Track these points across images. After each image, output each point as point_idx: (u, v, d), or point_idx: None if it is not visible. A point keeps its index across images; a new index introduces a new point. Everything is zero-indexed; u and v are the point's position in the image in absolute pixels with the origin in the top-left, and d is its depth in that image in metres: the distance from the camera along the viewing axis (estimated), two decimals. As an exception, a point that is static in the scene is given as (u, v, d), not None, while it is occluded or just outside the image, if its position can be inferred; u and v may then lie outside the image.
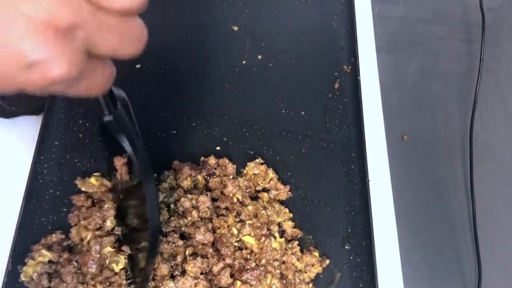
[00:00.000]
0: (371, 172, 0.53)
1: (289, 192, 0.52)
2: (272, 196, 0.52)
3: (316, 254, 0.49)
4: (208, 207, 0.49)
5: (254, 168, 0.53)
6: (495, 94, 0.64)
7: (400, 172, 0.56)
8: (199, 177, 0.52)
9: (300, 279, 0.47)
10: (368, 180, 0.53)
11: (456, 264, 0.53)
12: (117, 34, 0.25)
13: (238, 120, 0.56)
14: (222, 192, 0.51)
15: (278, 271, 0.47)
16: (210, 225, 0.48)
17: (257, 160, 0.54)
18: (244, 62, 0.61)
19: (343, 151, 0.55)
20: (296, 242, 0.49)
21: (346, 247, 0.50)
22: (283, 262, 0.48)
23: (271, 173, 0.53)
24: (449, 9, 0.71)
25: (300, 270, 0.48)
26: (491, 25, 0.67)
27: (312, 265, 0.48)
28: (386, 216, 0.52)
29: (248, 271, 0.46)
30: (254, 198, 0.52)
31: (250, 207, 0.50)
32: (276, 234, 0.49)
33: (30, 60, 0.21)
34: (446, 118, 0.62)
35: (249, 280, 0.46)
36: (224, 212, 0.50)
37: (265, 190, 0.52)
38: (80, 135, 0.54)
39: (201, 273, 0.46)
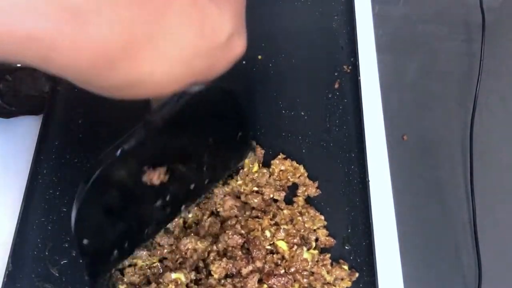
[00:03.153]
0: (371, 172, 0.53)
1: (318, 189, 0.52)
2: (300, 192, 0.52)
3: (346, 267, 0.48)
4: (235, 205, 0.49)
5: (279, 164, 0.53)
6: (495, 94, 0.64)
7: (400, 172, 0.56)
8: None
9: None
10: (368, 180, 0.53)
11: (456, 264, 0.53)
12: None
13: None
14: (256, 191, 0.51)
15: (306, 280, 0.46)
16: (239, 226, 0.48)
17: (279, 156, 0.53)
18: (244, 62, 0.61)
19: (343, 151, 0.55)
20: (328, 255, 0.48)
21: (346, 247, 0.50)
22: (313, 273, 0.47)
23: (302, 169, 0.53)
24: (449, 9, 0.71)
25: (328, 283, 0.47)
26: (491, 25, 0.66)
27: (342, 279, 0.47)
28: (386, 216, 0.52)
29: (276, 276, 0.45)
30: (289, 202, 0.52)
31: (285, 211, 0.50)
32: (313, 243, 0.49)
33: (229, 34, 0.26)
34: (446, 118, 0.62)
35: (275, 286, 0.45)
36: (259, 214, 0.50)
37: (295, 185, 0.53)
38: (80, 135, 0.54)
39: (226, 275, 0.46)
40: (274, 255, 0.47)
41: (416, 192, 0.57)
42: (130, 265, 0.47)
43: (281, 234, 0.48)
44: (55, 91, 0.57)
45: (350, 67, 0.61)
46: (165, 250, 0.47)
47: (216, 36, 0.25)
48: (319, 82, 0.60)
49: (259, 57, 0.61)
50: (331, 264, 0.48)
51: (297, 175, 0.52)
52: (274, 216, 0.50)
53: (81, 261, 0.43)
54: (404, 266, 0.50)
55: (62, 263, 0.48)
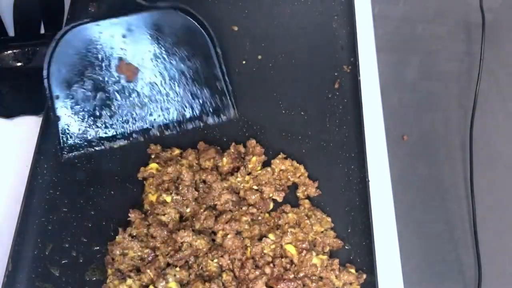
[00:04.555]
0: (371, 172, 0.53)
1: (318, 189, 0.52)
2: (300, 192, 0.52)
3: (353, 270, 0.48)
4: (231, 200, 0.50)
5: (280, 164, 0.53)
6: (495, 94, 0.64)
7: (400, 172, 0.56)
8: (224, 160, 0.52)
9: None
10: (368, 180, 0.53)
11: (456, 264, 0.53)
12: None
13: (238, 120, 0.56)
14: (256, 189, 0.51)
15: (314, 285, 0.46)
16: (235, 226, 0.48)
17: (280, 156, 0.54)
18: (244, 62, 0.61)
19: (343, 151, 0.55)
20: (337, 260, 0.48)
21: (346, 247, 0.50)
22: (321, 278, 0.47)
23: (302, 169, 0.53)
24: (449, 9, 0.71)
25: None
26: (491, 25, 0.66)
27: (351, 284, 0.47)
28: (386, 216, 0.52)
29: (286, 281, 0.45)
30: (295, 205, 0.52)
31: (290, 215, 0.50)
32: (320, 249, 0.48)
33: None
34: (446, 118, 0.62)
35: None
36: (256, 211, 0.50)
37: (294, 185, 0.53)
38: (80, 135, 0.55)
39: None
40: (283, 259, 0.47)
41: (416, 192, 0.57)
42: (121, 254, 0.47)
43: (289, 237, 0.48)
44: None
45: (350, 67, 0.61)
46: (158, 243, 0.47)
47: None
48: (319, 82, 0.60)
49: (259, 57, 0.61)
50: (339, 269, 0.48)
51: (297, 175, 0.52)
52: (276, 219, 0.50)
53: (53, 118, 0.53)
54: (404, 266, 0.50)
55: (62, 263, 0.48)
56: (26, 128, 0.56)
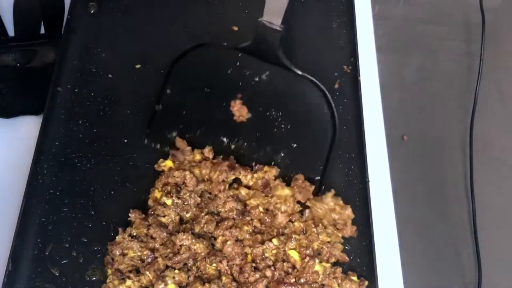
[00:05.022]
0: (371, 172, 0.53)
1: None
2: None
3: (355, 278, 0.48)
4: (236, 208, 0.49)
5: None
6: (495, 94, 0.64)
7: (400, 172, 0.56)
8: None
9: None
10: (368, 180, 0.53)
11: (456, 264, 0.53)
12: None
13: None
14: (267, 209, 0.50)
15: None
16: (236, 233, 0.48)
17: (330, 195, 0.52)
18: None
19: (343, 151, 0.55)
20: (340, 268, 0.48)
21: (346, 247, 0.50)
22: (323, 285, 0.47)
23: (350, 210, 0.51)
24: (449, 9, 0.71)
25: None
26: (491, 25, 0.66)
27: None
28: (386, 216, 0.52)
29: (286, 285, 0.45)
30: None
31: (296, 223, 0.49)
32: (325, 258, 0.48)
33: None
34: (446, 118, 0.62)
35: None
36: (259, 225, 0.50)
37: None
38: (80, 135, 0.55)
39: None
40: (285, 263, 0.47)
41: (416, 192, 0.57)
42: (121, 254, 0.47)
43: (293, 243, 0.48)
44: (55, 91, 0.57)
45: (350, 67, 0.60)
46: (157, 244, 0.47)
47: None
48: (319, 82, 0.60)
49: (259, 57, 0.61)
50: (341, 277, 0.48)
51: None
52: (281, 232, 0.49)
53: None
54: (404, 266, 0.50)
55: (62, 263, 0.48)
56: (26, 128, 0.56)
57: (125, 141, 0.54)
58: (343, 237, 0.50)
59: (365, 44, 0.63)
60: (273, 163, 0.53)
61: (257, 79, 0.50)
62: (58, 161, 0.53)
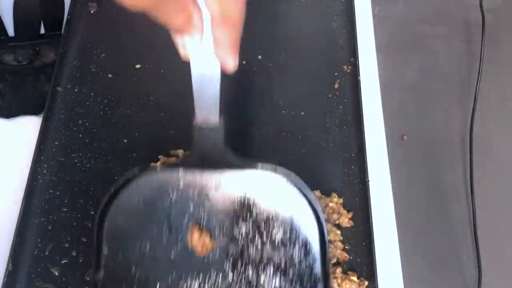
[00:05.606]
0: (371, 172, 0.53)
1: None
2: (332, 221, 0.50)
3: (355, 278, 0.47)
4: None
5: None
6: (495, 94, 0.64)
7: (400, 172, 0.56)
8: None
9: None
10: (368, 180, 0.53)
11: (456, 264, 0.53)
12: None
13: (238, 120, 0.56)
14: None
15: None
16: None
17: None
18: (244, 62, 0.61)
19: (343, 151, 0.55)
20: (340, 268, 0.47)
21: (346, 247, 0.50)
22: None
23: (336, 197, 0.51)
24: (449, 9, 0.71)
25: None
26: (491, 25, 0.66)
27: None
28: (386, 216, 0.52)
29: None
30: None
31: None
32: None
33: None
34: (446, 118, 0.62)
35: None
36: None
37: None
38: (80, 135, 0.55)
39: None
40: None
41: (416, 192, 0.57)
42: None
43: None
44: (55, 91, 0.57)
45: (350, 67, 0.60)
46: None
47: None
48: (319, 82, 0.60)
49: (259, 57, 0.61)
50: (341, 277, 0.47)
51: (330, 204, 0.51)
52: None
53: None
54: (404, 266, 0.50)
55: (62, 263, 0.48)
56: (26, 128, 0.56)
57: (125, 141, 0.54)
58: (342, 236, 0.50)
59: (365, 44, 0.63)
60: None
61: (206, 196, 0.39)
62: (58, 161, 0.53)
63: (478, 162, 0.58)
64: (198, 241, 0.40)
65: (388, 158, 0.56)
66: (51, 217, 0.50)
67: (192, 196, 0.39)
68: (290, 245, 0.40)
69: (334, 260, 0.48)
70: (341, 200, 0.51)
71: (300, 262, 0.40)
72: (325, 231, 0.39)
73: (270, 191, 0.39)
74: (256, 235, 0.40)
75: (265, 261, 0.40)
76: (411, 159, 0.59)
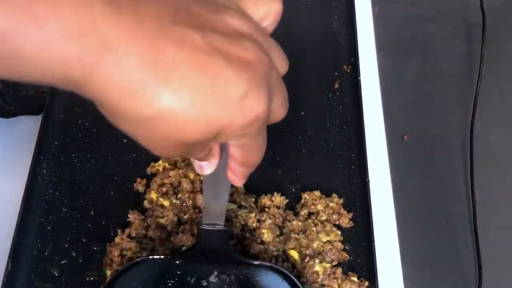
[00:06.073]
0: (371, 172, 0.53)
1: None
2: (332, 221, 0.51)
3: (355, 279, 0.48)
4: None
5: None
6: (495, 94, 0.64)
7: (400, 172, 0.56)
8: None
9: None
10: (368, 180, 0.53)
11: (456, 264, 0.53)
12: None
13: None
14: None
15: None
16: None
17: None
18: (244, 62, 0.61)
19: (343, 151, 0.55)
20: (340, 269, 0.48)
21: (346, 247, 0.50)
22: (323, 286, 0.47)
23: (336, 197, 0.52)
24: (449, 9, 0.71)
25: None
26: (491, 25, 0.66)
27: None
28: (386, 216, 0.52)
29: None
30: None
31: (294, 222, 0.49)
32: (328, 259, 0.48)
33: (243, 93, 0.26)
34: (446, 118, 0.62)
35: None
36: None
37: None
38: (80, 135, 0.55)
39: None
40: (285, 263, 0.47)
41: (416, 192, 0.57)
42: (119, 255, 0.47)
43: (292, 243, 0.48)
44: (55, 91, 0.57)
45: (350, 67, 0.60)
46: (156, 245, 0.47)
47: (228, 89, 0.26)
48: (319, 82, 0.60)
49: (259, 57, 0.61)
50: (341, 278, 0.48)
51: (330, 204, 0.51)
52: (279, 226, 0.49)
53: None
54: (404, 266, 0.50)
55: (62, 263, 0.48)
56: (26, 128, 0.56)
57: (125, 141, 0.54)
58: (343, 237, 0.50)
59: (365, 44, 0.63)
60: None
61: (204, 283, 0.42)
62: (58, 161, 0.53)
63: (478, 162, 0.57)
64: None
65: (388, 158, 0.56)
66: (51, 217, 0.50)
67: (188, 284, 0.42)
68: None
69: (335, 262, 0.48)
70: (341, 201, 0.51)
71: None
72: None
73: (265, 283, 0.43)
74: None
75: None
76: (411, 159, 0.59)
